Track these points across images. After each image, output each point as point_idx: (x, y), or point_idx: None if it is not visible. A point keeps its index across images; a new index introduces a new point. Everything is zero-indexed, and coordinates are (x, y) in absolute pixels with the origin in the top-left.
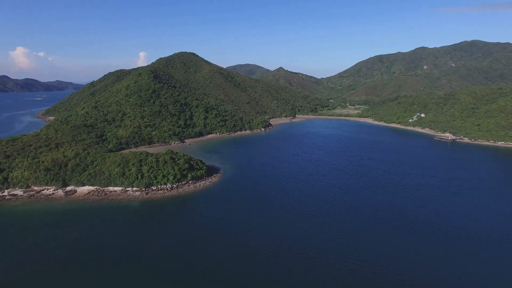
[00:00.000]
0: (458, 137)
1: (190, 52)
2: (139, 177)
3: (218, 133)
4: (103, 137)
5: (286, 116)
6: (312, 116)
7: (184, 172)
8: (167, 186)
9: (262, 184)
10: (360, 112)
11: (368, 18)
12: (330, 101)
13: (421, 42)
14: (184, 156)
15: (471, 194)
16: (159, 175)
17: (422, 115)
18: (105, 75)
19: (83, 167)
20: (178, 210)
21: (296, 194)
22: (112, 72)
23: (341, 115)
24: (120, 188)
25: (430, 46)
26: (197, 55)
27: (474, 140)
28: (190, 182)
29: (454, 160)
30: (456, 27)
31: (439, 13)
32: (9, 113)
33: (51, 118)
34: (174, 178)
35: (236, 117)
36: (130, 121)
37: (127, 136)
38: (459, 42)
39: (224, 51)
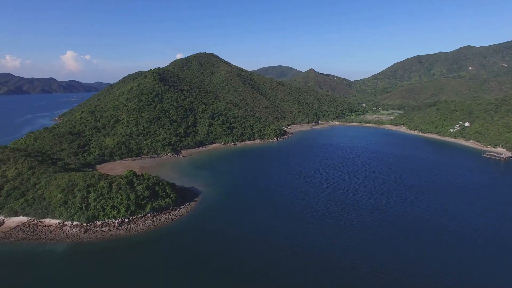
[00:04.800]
0: None
1: (209, 53)
2: (83, 208)
3: (222, 143)
4: (86, 147)
5: (307, 122)
6: (337, 123)
7: (143, 202)
8: (116, 220)
9: (242, 224)
10: (392, 118)
11: (408, 17)
12: (361, 105)
13: (467, 41)
14: (148, 179)
15: None
16: (108, 205)
17: (466, 124)
18: (124, 77)
19: (22, 191)
20: (98, 273)
21: (282, 255)
22: (132, 74)
23: (370, 122)
24: (57, 222)
25: (477, 45)
26: (217, 56)
27: None
28: (149, 215)
29: None
30: (508, 24)
31: (486, 8)
32: (32, 115)
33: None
34: (126, 211)
35: (245, 124)
36: (122, 128)
37: (113, 146)
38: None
39: (257, 52)
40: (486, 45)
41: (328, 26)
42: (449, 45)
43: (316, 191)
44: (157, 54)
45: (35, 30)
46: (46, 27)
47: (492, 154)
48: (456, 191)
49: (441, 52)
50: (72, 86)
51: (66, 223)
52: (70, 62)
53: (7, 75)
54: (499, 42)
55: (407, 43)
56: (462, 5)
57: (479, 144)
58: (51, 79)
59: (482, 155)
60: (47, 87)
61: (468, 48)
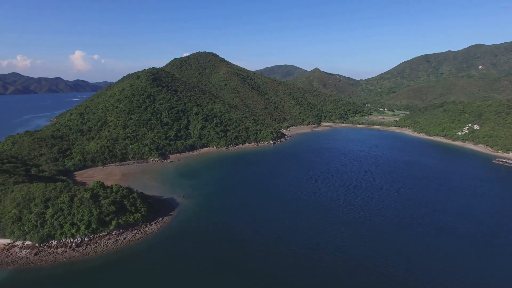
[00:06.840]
0: None
1: (208, 52)
2: (38, 225)
3: (215, 147)
4: (67, 152)
5: (308, 124)
6: (339, 124)
7: (107, 218)
8: (75, 240)
9: (219, 245)
10: (397, 120)
11: (415, 15)
12: (367, 105)
13: (476, 40)
14: (117, 192)
15: None
16: (66, 222)
17: (476, 126)
18: (123, 77)
19: None
20: None
21: None
22: (131, 73)
23: (374, 124)
24: (7, 242)
25: (488, 43)
26: (217, 55)
27: None
28: (113, 232)
29: None
30: None
31: (496, 6)
32: (31, 115)
33: None
34: (87, 228)
35: (240, 126)
36: (109, 131)
37: (96, 151)
38: None
39: (263, 52)
40: (497, 43)
41: (335, 25)
42: (458, 43)
43: (306, 204)
44: (164, 54)
45: (44, 30)
46: (55, 26)
47: (503, 160)
48: (465, 205)
49: (449, 51)
50: (79, 86)
51: (16, 243)
52: (79, 62)
53: (15, 74)
54: (511, 40)
55: (415, 41)
56: (470, 3)
57: (490, 149)
58: (58, 78)
59: (493, 161)
60: (54, 86)
61: (478, 46)
